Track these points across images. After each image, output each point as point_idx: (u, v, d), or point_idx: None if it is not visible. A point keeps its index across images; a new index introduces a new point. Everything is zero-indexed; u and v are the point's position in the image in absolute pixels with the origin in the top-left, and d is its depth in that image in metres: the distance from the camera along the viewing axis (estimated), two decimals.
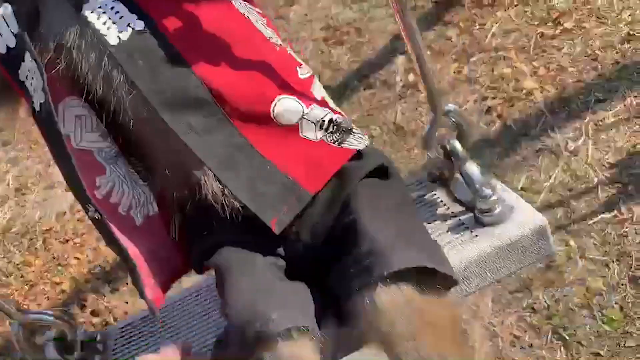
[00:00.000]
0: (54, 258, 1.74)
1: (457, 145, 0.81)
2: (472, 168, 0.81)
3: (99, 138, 0.75)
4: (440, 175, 0.89)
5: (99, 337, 0.95)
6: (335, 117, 0.76)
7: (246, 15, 0.76)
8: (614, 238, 1.26)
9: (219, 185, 0.71)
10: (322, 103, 0.77)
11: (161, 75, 0.70)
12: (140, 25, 0.70)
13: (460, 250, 0.78)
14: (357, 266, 0.67)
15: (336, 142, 0.76)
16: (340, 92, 1.77)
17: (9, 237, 1.85)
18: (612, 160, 1.38)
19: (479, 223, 0.80)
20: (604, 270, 1.23)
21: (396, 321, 0.62)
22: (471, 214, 0.81)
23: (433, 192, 0.89)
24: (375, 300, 0.63)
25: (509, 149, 1.50)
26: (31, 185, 2.00)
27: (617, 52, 1.57)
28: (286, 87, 0.74)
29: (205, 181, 0.71)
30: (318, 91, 0.78)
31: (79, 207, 0.76)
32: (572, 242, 1.29)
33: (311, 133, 0.74)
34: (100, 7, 0.70)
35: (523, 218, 0.78)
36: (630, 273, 1.20)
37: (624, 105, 1.46)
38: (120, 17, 0.70)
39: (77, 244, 1.74)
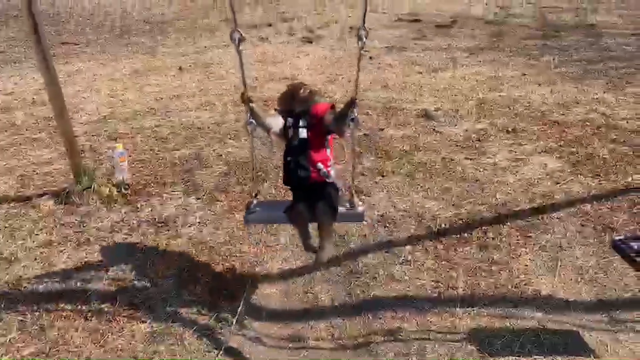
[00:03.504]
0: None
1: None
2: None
3: None
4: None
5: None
6: (328, 173, 2.88)
7: (327, 149, 2.95)
8: None
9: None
10: (328, 168, 2.90)
11: (303, 143, 2.90)
12: (304, 134, 2.91)
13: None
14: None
15: (324, 177, 2.88)
16: None
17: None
18: None
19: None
20: None
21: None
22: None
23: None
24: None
25: None
26: None
27: None
28: (323, 162, 2.90)
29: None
30: (330, 166, 2.93)
31: None
32: None
33: (322, 172, 2.87)
34: (302, 124, 2.91)
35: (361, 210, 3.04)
36: None
37: None
38: (302, 128, 2.92)
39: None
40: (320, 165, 2.89)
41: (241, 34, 2.63)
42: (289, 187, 3.11)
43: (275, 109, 3.07)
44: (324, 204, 2.89)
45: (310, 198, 2.91)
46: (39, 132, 5.61)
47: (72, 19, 11.18)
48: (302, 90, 2.99)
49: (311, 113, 2.94)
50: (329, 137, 2.99)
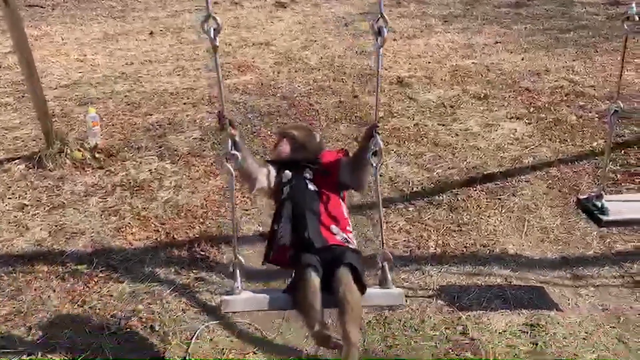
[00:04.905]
0: None
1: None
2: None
3: None
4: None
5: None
6: (347, 237, 2.26)
7: (343, 206, 2.38)
8: None
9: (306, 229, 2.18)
10: (349, 233, 2.29)
11: (312, 201, 2.27)
12: (313, 186, 2.33)
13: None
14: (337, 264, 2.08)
15: (343, 240, 2.24)
16: None
17: None
18: None
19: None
20: None
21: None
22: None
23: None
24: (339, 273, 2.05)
25: None
26: None
27: None
28: (340, 225, 2.29)
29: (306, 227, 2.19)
30: (350, 230, 2.33)
31: None
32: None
33: (339, 237, 2.25)
34: (308, 176, 2.36)
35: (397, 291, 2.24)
36: None
37: None
38: (309, 180, 2.36)
39: None
40: (335, 228, 2.24)
41: (217, 23, 1.86)
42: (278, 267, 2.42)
43: (268, 161, 2.48)
44: (347, 276, 2.03)
45: (325, 266, 2.08)
46: (7, 97, 5.47)
47: None
48: (311, 135, 2.48)
49: (321, 163, 2.41)
50: (344, 192, 2.43)
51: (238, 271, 2.15)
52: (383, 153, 2.18)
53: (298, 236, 2.19)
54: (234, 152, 2.06)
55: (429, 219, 3.63)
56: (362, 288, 2.07)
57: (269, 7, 9.10)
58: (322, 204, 2.26)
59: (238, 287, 2.14)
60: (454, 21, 8.20)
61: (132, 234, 3.43)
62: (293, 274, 2.15)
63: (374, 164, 2.16)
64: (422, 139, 4.60)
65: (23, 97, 5.34)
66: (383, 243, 2.29)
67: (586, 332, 2.74)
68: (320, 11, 8.82)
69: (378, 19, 1.96)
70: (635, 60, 6.14)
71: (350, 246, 2.20)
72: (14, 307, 2.85)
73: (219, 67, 1.99)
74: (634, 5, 2.53)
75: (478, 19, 8.29)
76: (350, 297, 1.99)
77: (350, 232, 2.31)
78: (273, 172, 2.37)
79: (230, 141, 2.08)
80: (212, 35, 1.87)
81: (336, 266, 2.04)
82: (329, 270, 2.04)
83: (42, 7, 9.21)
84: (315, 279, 2.01)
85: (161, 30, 7.82)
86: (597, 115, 4.98)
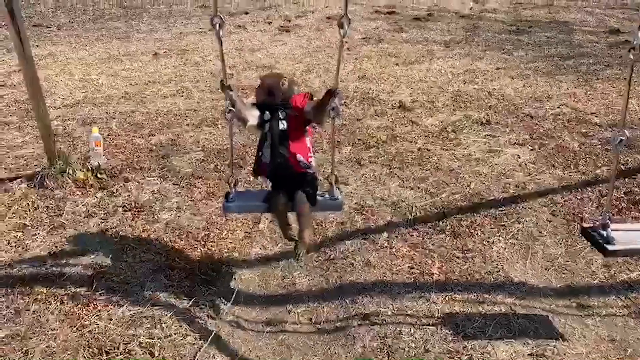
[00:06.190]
0: None
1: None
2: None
3: None
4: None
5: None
6: (308, 163, 2.85)
7: (307, 139, 2.89)
8: None
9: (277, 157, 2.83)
10: (309, 159, 2.87)
11: (283, 136, 2.83)
12: (284, 125, 2.83)
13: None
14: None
15: (304, 167, 2.84)
16: None
17: None
18: None
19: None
20: None
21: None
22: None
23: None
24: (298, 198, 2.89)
25: None
26: None
27: None
28: (303, 154, 2.84)
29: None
30: (310, 156, 2.89)
31: None
32: None
33: (302, 164, 2.82)
34: (281, 116, 2.84)
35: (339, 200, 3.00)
36: None
37: None
38: (282, 120, 2.84)
39: None
40: (300, 156, 2.88)
41: (222, 19, 2.54)
42: (262, 178, 3.13)
43: (254, 104, 2.99)
44: (303, 193, 2.90)
45: (290, 188, 2.92)
46: (10, 116, 5.48)
47: (44, 0, 10.91)
48: (281, 82, 2.96)
49: (291, 104, 2.91)
50: (308, 127, 2.98)
51: (232, 184, 2.96)
52: (340, 112, 2.77)
53: (274, 161, 2.87)
54: (230, 108, 2.78)
55: (432, 244, 3.60)
56: (313, 203, 2.93)
57: (273, 31, 9.19)
58: (290, 139, 2.87)
59: (233, 197, 2.97)
60: (456, 47, 8.27)
61: (132, 256, 3.39)
62: (270, 187, 3.03)
63: (332, 116, 2.79)
64: (426, 164, 4.59)
65: (26, 115, 5.34)
66: (333, 167, 3.03)
67: None
68: (323, 35, 8.90)
69: (342, 17, 2.56)
70: (637, 88, 6.17)
71: (310, 171, 2.92)
72: (12, 331, 2.80)
73: (222, 45, 2.64)
74: (639, 34, 2.52)
75: (480, 45, 8.36)
76: (303, 211, 2.89)
77: (311, 157, 2.93)
78: (257, 113, 2.92)
79: (228, 100, 2.77)
80: (217, 29, 2.56)
81: (297, 190, 2.90)
82: (293, 191, 2.91)
83: (47, 27, 9.30)
84: (282, 198, 2.92)
85: (165, 52, 7.88)
86: (599, 143, 4.99)
